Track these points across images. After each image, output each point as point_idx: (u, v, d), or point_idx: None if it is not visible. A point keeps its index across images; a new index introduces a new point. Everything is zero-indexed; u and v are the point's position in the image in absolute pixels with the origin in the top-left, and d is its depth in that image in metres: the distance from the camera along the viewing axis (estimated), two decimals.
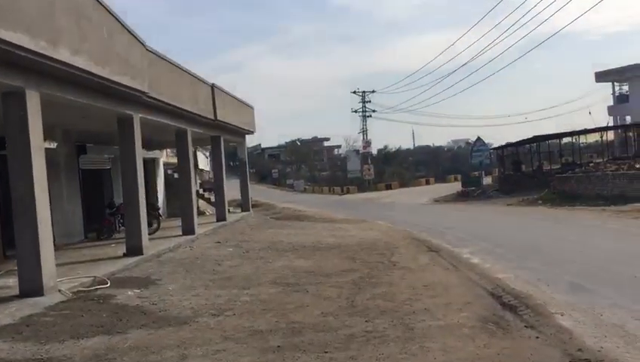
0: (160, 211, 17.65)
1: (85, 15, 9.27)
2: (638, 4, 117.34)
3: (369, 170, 54.81)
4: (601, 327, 6.56)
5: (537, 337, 6.44)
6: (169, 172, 25.18)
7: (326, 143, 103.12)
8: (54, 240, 15.63)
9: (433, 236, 17.52)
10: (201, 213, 28.50)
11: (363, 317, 7.42)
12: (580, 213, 20.71)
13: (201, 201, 29.53)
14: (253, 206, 44.46)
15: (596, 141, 47.60)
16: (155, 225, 17.32)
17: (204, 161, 33.32)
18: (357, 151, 61.91)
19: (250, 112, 24.08)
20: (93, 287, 9.56)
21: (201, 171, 32.22)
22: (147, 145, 21.32)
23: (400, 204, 36.38)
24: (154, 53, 12.98)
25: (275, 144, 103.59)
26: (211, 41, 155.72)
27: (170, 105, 13.94)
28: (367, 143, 57.61)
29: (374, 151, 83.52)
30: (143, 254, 12.42)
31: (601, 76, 49.60)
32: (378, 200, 41.09)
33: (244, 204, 25.87)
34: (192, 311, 7.93)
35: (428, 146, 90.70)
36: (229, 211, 22.75)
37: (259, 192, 63.05)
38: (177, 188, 17.47)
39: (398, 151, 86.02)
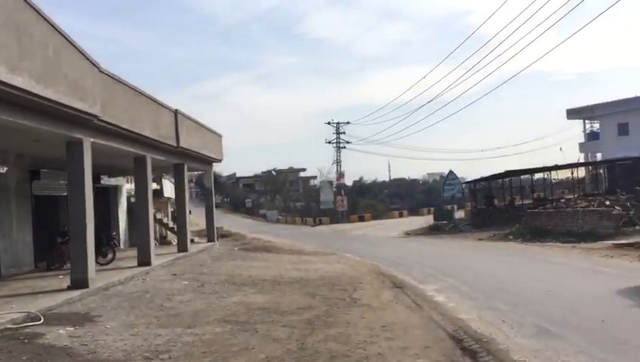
0: (117, 241, 16.82)
1: (26, 31, 8.69)
2: (605, 46, 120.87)
3: (342, 201, 54.29)
4: None
5: None
6: (132, 200, 24.35)
7: (302, 174, 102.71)
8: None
9: (400, 271, 17.02)
10: (167, 243, 27.70)
11: None
12: (550, 249, 20.39)
13: (169, 231, 28.76)
14: (223, 236, 43.77)
15: (567, 177, 48.02)
16: (110, 256, 16.52)
17: (172, 189, 32.55)
18: (331, 183, 61.45)
19: (217, 140, 23.50)
20: (23, 324, 8.77)
21: (168, 199, 31.34)
22: (109, 171, 20.66)
23: (371, 236, 35.87)
24: (110, 76, 12.41)
25: (250, 174, 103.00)
26: (189, 70, 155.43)
27: (126, 130, 13.33)
28: (340, 174, 57.20)
29: (349, 183, 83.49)
30: (88, 287, 11.64)
31: (572, 113, 50.18)
32: (350, 233, 40.53)
33: (209, 234, 25.04)
34: (124, 353, 7.23)
35: (404, 179, 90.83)
36: (192, 241, 21.97)
37: (231, 222, 62.10)
38: (135, 217, 16.68)
39: (373, 184, 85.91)
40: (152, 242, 16.16)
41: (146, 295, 11.74)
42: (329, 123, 57.29)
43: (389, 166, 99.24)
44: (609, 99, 46.98)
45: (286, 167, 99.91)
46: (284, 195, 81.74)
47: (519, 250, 21.40)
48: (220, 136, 23.95)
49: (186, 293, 12.09)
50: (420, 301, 11.61)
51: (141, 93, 14.61)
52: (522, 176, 43.84)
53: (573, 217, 24.52)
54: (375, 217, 54.87)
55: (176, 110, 17.63)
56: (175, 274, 14.87)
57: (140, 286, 12.98)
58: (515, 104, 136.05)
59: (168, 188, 30.49)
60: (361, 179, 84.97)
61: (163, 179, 27.19)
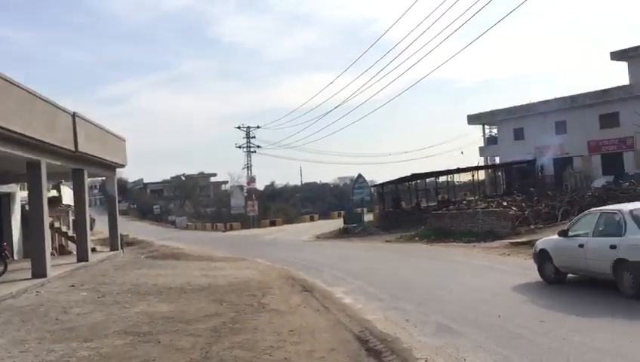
0: (7, 251, 15.68)
1: None
2: (504, 54, 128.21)
3: (253, 206, 53.88)
4: None
5: None
6: (27, 208, 22.85)
7: (213, 179, 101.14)
8: None
9: (310, 274, 17.06)
10: (67, 253, 26.20)
11: None
12: (454, 249, 21.20)
13: (69, 240, 27.21)
14: (130, 244, 42.19)
15: (469, 180, 50.37)
16: (1, 268, 15.40)
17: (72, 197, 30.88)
18: (241, 187, 60.81)
19: (120, 145, 22.57)
20: None
21: (68, 207, 29.71)
22: (0, 177, 19.28)
23: (282, 241, 35.85)
24: None
25: (159, 179, 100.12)
26: (92, 73, 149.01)
27: (17, 133, 12.46)
28: (251, 179, 56.74)
29: (261, 187, 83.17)
30: None
31: (472, 119, 52.64)
32: (261, 237, 40.29)
33: (112, 243, 23.98)
34: None
35: (315, 183, 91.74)
36: (93, 250, 20.92)
37: (138, 229, 59.98)
38: (29, 225, 15.64)
39: (285, 188, 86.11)
40: (48, 252, 15.22)
41: (40, 308, 11.02)
42: (239, 127, 56.84)
43: (301, 170, 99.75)
44: (507, 106, 49.80)
45: (196, 173, 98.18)
46: (194, 201, 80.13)
47: (424, 250, 22.09)
48: (123, 140, 23.02)
49: (85, 305, 11.46)
50: (329, 304, 11.66)
51: (35, 95, 13.73)
52: (428, 179, 45.56)
53: (473, 218, 25.63)
54: (287, 221, 54.95)
55: (74, 113, 16.74)
56: (73, 286, 14.08)
57: (33, 299, 12.16)
58: (420, 109, 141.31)
59: (68, 196, 28.93)
60: (272, 183, 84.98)
61: (62, 186, 25.74)
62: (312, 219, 54.83)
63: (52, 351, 7.73)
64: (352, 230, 35.42)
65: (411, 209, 38.47)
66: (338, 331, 8.95)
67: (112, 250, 23.57)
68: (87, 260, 18.47)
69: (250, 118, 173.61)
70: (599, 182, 37.17)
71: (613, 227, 9.52)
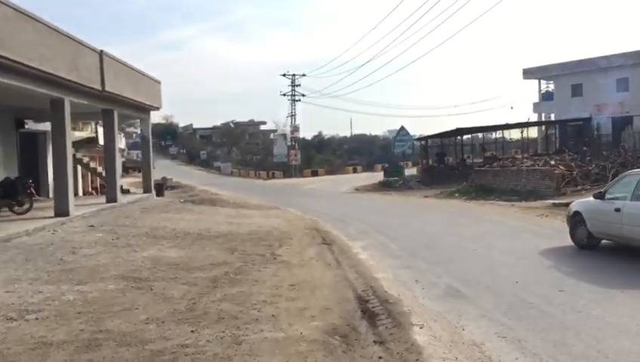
0: (33, 189, 15.72)
1: None
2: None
3: (295, 155, 53.48)
4: (456, 346, 5.61)
5: (380, 358, 5.43)
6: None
7: (263, 127, 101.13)
8: None
9: (336, 227, 16.61)
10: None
11: (193, 325, 6.23)
12: (490, 207, 20.25)
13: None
14: (173, 187, 42.89)
15: (523, 137, 48.30)
16: (27, 205, 15.53)
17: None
18: (285, 136, 60.38)
19: (155, 87, 22.29)
20: None
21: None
22: (35, 115, 19.39)
23: (320, 191, 35.46)
24: (10, 7, 11.21)
25: (209, 125, 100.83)
26: (149, 18, 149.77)
27: (34, 68, 12.20)
28: (294, 128, 56.16)
29: (308, 137, 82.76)
30: None
31: (528, 73, 50.09)
32: (300, 187, 40.02)
33: (145, 185, 24.07)
34: None
35: (364, 135, 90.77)
36: (127, 192, 21.01)
37: (184, 173, 60.91)
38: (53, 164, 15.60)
39: (332, 139, 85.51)
40: (71, 191, 15.20)
41: (49, 248, 10.94)
42: (284, 75, 55.89)
43: (351, 121, 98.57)
44: (564, 60, 47.12)
45: (246, 120, 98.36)
46: (241, 148, 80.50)
47: (460, 207, 21.20)
48: (158, 82, 22.72)
49: (95, 247, 11.32)
50: (343, 258, 11.16)
51: (55, 30, 13.40)
52: (480, 135, 43.96)
53: (517, 176, 24.46)
54: (330, 172, 54.49)
55: (101, 51, 16.41)
56: (92, 226, 14.04)
57: (47, 237, 12.13)
58: (473, 62, 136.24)
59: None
60: (319, 133, 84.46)
61: (99, 127, 25.87)
62: (354, 171, 54.10)
63: (39, 292, 7.53)
64: (393, 183, 34.64)
65: (456, 164, 37.23)
66: (341, 288, 8.44)
67: (144, 192, 23.65)
68: (115, 201, 18.50)
69: (300, 67, 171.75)
70: None
71: None
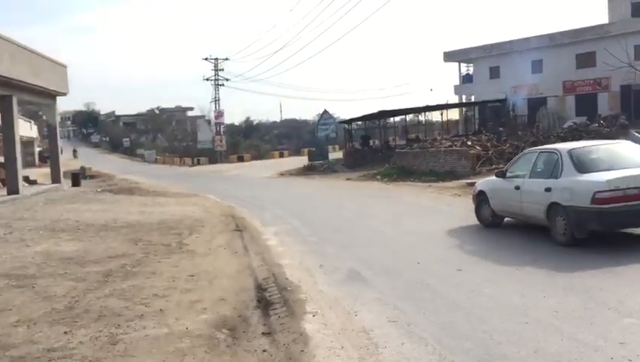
0: None
1: None
2: None
3: (221, 141, 52.48)
4: (345, 333, 5.42)
5: (264, 351, 5.18)
6: None
7: (190, 113, 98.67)
8: None
9: (252, 212, 16.29)
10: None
11: (68, 326, 5.77)
12: (408, 188, 20.47)
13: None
14: (92, 177, 41.23)
15: (448, 120, 49.31)
16: None
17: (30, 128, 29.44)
18: (208, 121, 59.02)
19: (60, 71, 21.02)
20: None
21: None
22: None
23: (244, 177, 34.91)
24: None
25: (134, 112, 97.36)
26: (61, 1, 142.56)
27: None
28: (219, 113, 54.93)
29: (237, 123, 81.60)
30: None
31: (449, 56, 51.18)
32: (224, 173, 39.29)
33: (54, 175, 22.81)
34: None
35: (295, 120, 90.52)
36: (34, 183, 19.78)
37: (106, 162, 58.65)
38: None
39: (261, 124, 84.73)
40: None
41: None
42: (206, 59, 54.46)
43: (281, 106, 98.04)
44: (483, 42, 48.44)
45: (174, 106, 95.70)
46: (167, 135, 78.30)
47: (379, 189, 21.32)
48: (63, 66, 21.44)
49: None
50: (252, 245, 10.86)
51: None
52: (408, 117, 44.44)
53: (435, 157, 24.83)
54: (257, 157, 53.85)
55: None
56: None
57: None
58: (397, 45, 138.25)
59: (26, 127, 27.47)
60: (247, 119, 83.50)
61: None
62: (281, 156, 53.66)
63: None
64: (318, 167, 34.56)
65: (380, 147, 37.55)
66: (242, 277, 8.14)
67: (53, 182, 22.41)
68: (17, 193, 17.35)
69: (225, 52, 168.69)
70: (574, 122, 36.56)
71: (550, 168, 8.65)
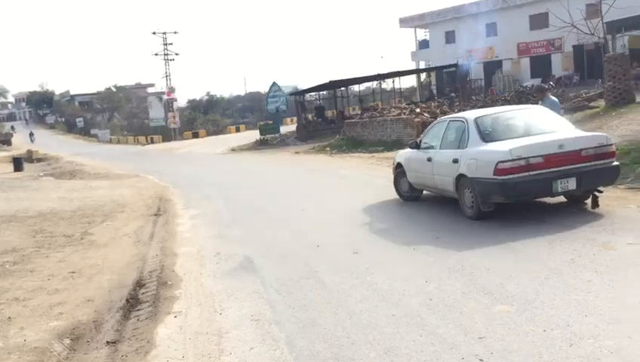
0: None
1: None
2: None
3: (174, 117, 51.06)
4: (196, 338, 4.84)
5: None
6: None
7: (150, 90, 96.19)
8: None
9: (184, 193, 15.70)
10: None
11: None
12: (350, 160, 19.92)
13: None
14: (39, 160, 39.77)
15: (411, 86, 48.74)
16: None
17: None
18: (160, 98, 57.35)
19: None
20: None
21: None
22: None
23: (193, 154, 33.96)
24: None
25: (93, 91, 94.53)
26: None
27: None
28: (170, 89, 53.34)
29: (198, 98, 79.91)
30: None
31: (404, 22, 50.49)
32: (175, 151, 38.20)
33: None
34: None
35: (259, 93, 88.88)
36: None
37: (60, 144, 56.78)
38: None
39: (222, 99, 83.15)
40: None
41: None
42: (154, 33, 52.47)
43: (245, 80, 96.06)
44: (439, 7, 47.84)
45: (134, 83, 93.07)
46: (125, 113, 76.23)
47: (322, 162, 20.74)
48: None
49: None
50: (161, 232, 10.20)
51: None
52: (372, 86, 43.57)
53: (382, 126, 24.30)
54: (215, 133, 52.68)
55: None
56: None
57: None
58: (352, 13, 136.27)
59: None
60: (208, 93, 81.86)
61: None
62: (237, 131, 52.53)
63: None
64: (271, 141, 33.75)
65: (335, 118, 36.83)
66: (129, 271, 7.49)
67: None
68: None
69: (177, 26, 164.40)
70: (530, 83, 36.38)
71: (458, 138, 8.11)
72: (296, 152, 26.85)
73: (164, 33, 51.90)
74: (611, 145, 7.32)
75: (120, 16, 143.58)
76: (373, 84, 42.37)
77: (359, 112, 36.68)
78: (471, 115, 8.40)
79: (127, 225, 11.12)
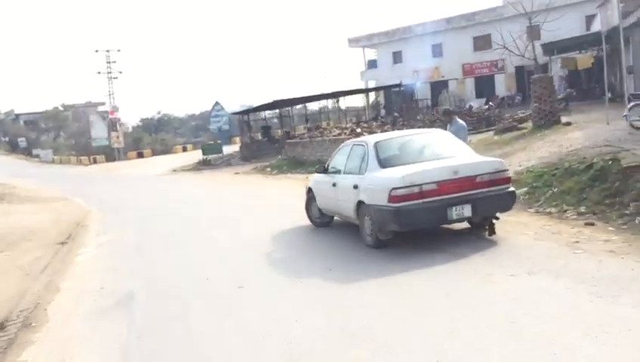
0: None
1: None
2: None
3: (117, 137, 49.78)
4: None
5: None
6: None
7: (100, 108, 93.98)
8: None
9: (104, 218, 15.02)
10: None
11: None
12: (281, 181, 19.58)
13: None
14: None
15: (362, 106, 48.61)
16: None
17: None
18: (103, 117, 55.95)
19: None
20: None
21: None
22: None
23: (131, 175, 33.00)
24: None
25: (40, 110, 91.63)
26: None
27: None
28: (114, 108, 52.09)
29: (149, 117, 78.50)
30: None
31: (353, 42, 50.70)
32: (114, 172, 37.10)
33: None
34: None
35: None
36: None
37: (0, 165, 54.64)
38: None
39: (173, 118, 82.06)
40: None
41: None
42: (97, 51, 51.23)
43: (199, 99, 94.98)
44: (387, 28, 48.30)
45: (84, 102, 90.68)
46: (71, 132, 74.04)
47: (257, 183, 20.29)
48: None
49: None
50: (56, 264, 9.54)
51: None
52: (320, 105, 43.31)
53: (322, 146, 24.03)
54: (162, 152, 51.55)
55: None
56: None
57: None
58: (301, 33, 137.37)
59: None
60: (159, 112, 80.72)
61: None
62: (184, 150, 51.49)
63: None
64: (214, 161, 33.13)
65: (280, 138, 36.45)
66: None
67: None
68: None
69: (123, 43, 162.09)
70: (475, 103, 36.88)
71: (359, 162, 7.79)
72: (236, 173, 26.30)
73: (108, 51, 50.81)
74: (506, 170, 7.12)
75: (67, 34, 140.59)
76: (329, 102, 42.19)
77: (305, 132, 36.48)
78: (372, 139, 8.12)
79: (25, 256, 10.41)
